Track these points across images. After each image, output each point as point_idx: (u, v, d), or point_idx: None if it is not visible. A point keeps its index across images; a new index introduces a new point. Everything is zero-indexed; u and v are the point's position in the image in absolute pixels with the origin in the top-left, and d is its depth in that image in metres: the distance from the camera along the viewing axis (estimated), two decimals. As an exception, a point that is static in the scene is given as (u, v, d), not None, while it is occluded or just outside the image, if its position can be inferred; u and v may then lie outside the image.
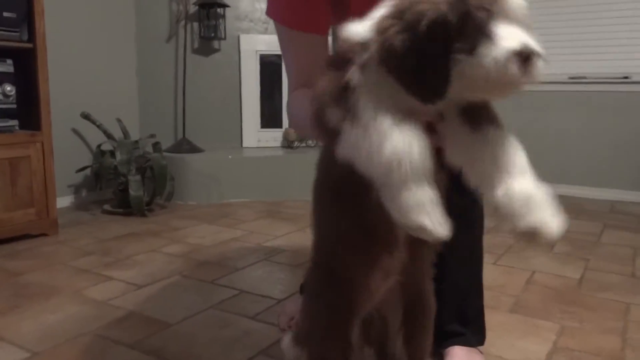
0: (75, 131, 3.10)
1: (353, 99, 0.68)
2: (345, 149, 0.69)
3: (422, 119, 0.69)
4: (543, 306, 1.66)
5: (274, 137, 3.61)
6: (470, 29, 0.62)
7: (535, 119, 3.69)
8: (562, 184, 3.62)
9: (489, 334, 1.32)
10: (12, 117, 2.32)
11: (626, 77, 3.37)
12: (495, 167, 0.69)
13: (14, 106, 2.32)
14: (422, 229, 0.64)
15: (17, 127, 2.35)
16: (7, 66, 2.30)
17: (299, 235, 2.45)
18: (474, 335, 1.29)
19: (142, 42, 3.47)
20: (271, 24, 3.53)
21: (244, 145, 3.60)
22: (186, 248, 2.25)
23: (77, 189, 3.12)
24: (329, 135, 0.71)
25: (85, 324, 1.49)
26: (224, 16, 3.41)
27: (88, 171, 3.07)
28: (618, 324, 1.54)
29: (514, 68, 0.60)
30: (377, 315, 0.97)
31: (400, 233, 0.81)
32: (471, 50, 0.62)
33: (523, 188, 0.68)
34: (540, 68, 0.61)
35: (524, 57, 0.60)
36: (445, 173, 0.78)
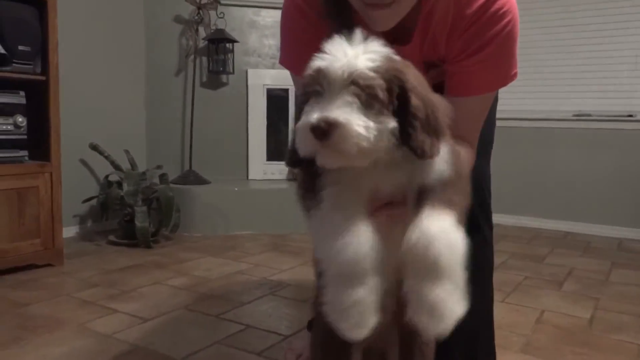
0: (83, 162, 3.12)
1: (320, 187, 0.75)
2: (311, 230, 0.76)
3: (383, 201, 0.75)
4: (554, 347, 1.63)
5: (279, 170, 3.63)
6: (302, 107, 0.72)
7: (540, 156, 3.71)
8: (568, 220, 3.61)
9: (500, 375, 1.29)
10: (22, 148, 2.35)
11: (630, 115, 3.40)
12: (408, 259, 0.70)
13: (25, 137, 2.35)
14: (339, 330, 0.69)
15: (27, 158, 2.37)
16: (19, 98, 2.33)
17: (304, 269, 2.43)
18: (486, 377, 1.27)
19: (151, 76, 3.53)
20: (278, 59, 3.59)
21: (250, 177, 3.61)
22: (191, 281, 2.23)
23: (82, 219, 3.12)
24: (307, 211, 0.79)
25: (90, 359, 1.47)
26: (232, 51, 3.47)
27: (94, 201, 3.08)
28: (631, 367, 1.51)
29: (310, 137, 0.66)
30: (376, 348, 0.97)
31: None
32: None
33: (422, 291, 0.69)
34: (341, 137, 0.65)
35: (318, 129, 0.65)
36: None
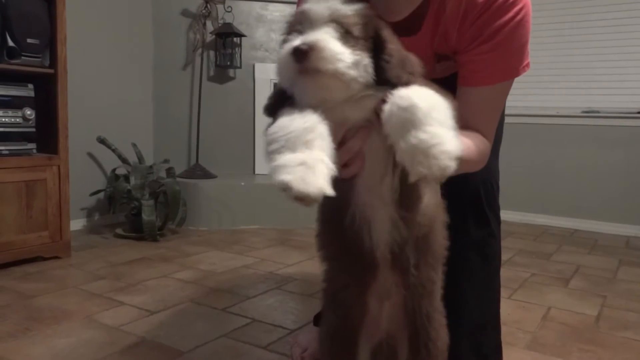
0: (90, 155, 3.13)
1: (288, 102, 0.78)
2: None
3: (352, 126, 0.77)
4: (561, 344, 1.63)
5: (286, 164, 3.62)
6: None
7: (548, 153, 3.69)
8: (575, 218, 3.60)
9: (506, 371, 1.29)
10: (30, 141, 2.36)
11: (640, 112, 3.37)
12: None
13: (33, 130, 2.36)
14: (285, 186, 0.64)
15: (35, 151, 2.38)
16: (28, 90, 2.34)
17: (310, 264, 2.43)
18: (492, 372, 1.27)
19: (159, 70, 3.53)
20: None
21: (256, 172, 3.61)
22: (197, 274, 2.24)
23: (90, 212, 3.14)
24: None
25: (97, 350, 1.48)
26: (240, 45, 3.47)
27: (101, 195, 3.09)
28: (638, 364, 1.50)
29: (291, 60, 0.70)
30: (386, 344, 0.97)
31: (378, 256, 0.86)
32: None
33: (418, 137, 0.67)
34: (321, 57, 0.68)
35: (300, 51, 0.69)
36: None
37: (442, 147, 0.65)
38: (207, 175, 3.36)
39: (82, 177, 3.02)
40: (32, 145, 2.37)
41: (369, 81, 0.74)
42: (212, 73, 3.54)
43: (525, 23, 0.96)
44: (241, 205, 3.21)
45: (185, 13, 3.47)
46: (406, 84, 0.73)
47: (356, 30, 0.73)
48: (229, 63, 3.45)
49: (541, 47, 3.64)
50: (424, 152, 0.65)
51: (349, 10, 0.74)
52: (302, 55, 0.68)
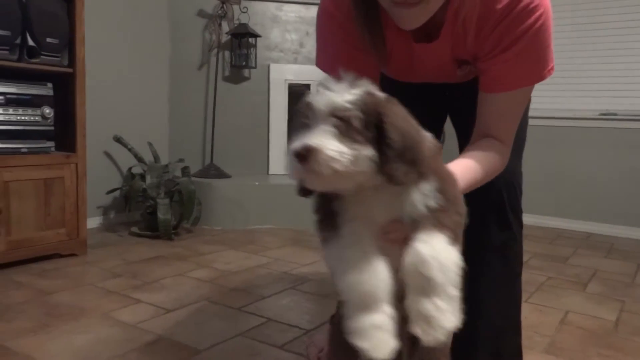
0: (107, 154, 3.16)
1: (337, 216, 0.83)
2: (328, 260, 0.85)
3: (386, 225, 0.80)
4: (580, 348, 1.61)
5: (300, 165, 3.62)
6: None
7: (565, 155, 3.65)
8: (592, 221, 3.56)
9: (526, 375, 1.28)
10: (49, 139, 2.38)
11: (658, 115, 3.33)
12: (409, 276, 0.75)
13: (52, 128, 2.38)
14: (362, 351, 0.74)
15: (53, 149, 2.41)
16: (47, 89, 2.37)
17: (324, 265, 2.43)
18: (512, 376, 1.26)
19: (175, 69, 3.56)
20: (300, 55, 3.60)
21: (271, 172, 3.62)
22: (213, 273, 2.25)
23: (106, 211, 3.16)
24: (323, 241, 0.87)
25: (116, 347, 1.49)
26: (255, 46, 3.48)
27: (117, 193, 3.12)
28: (659, 370, 1.48)
29: (295, 163, 0.72)
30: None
31: None
32: None
33: (422, 308, 0.74)
34: (318, 161, 0.70)
35: (299, 155, 0.71)
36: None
37: (442, 322, 0.72)
38: (221, 174, 3.37)
39: (99, 175, 3.05)
40: (50, 144, 2.39)
41: (374, 170, 0.76)
42: (227, 73, 3.56)
43: (545, 29, 0.95)
44: (255, 205, 3.22)
45: (201, 13, 3.49)
46: (400, 180, 0.75)
47: (356, 122, 0.74)
48: (244, 63, 3.46)
49: (558, 49, 3.58)
50: (427, 321, 0.72)
51: (347, 102, 0.74)
52: (302, 158, 0.71)
